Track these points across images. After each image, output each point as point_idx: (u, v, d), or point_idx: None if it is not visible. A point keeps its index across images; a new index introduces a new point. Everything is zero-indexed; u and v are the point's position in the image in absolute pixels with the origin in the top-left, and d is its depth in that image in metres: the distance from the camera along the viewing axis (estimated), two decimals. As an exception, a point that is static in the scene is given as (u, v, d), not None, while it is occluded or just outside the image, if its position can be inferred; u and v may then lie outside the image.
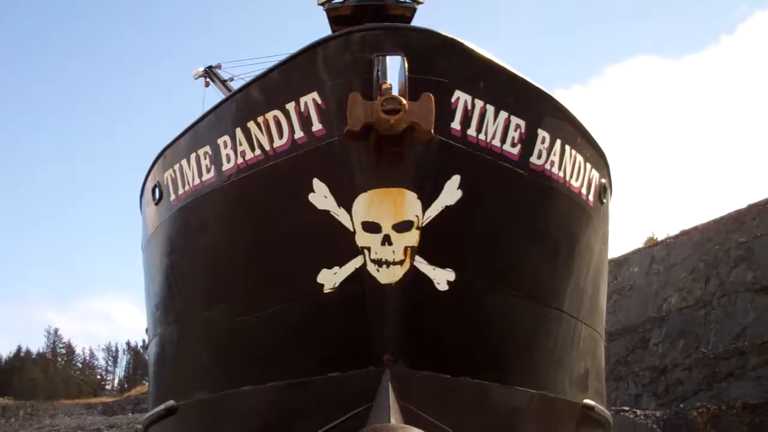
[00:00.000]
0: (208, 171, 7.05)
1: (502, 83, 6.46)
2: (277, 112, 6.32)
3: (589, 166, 7.56)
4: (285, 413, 6.71)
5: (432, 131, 5.74)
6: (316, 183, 6.15)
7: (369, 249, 5.99)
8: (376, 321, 6.01)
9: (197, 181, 7.23)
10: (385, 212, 5.96)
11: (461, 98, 6.13)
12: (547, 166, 6.87)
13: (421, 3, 8.97)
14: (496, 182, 6.50)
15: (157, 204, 8.18)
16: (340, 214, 6.05)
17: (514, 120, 6.48)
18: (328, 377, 6.32)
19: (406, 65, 5.73)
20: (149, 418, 9.14)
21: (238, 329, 7.00)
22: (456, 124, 6.13)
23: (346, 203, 6.03)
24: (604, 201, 8.19)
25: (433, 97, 5.63)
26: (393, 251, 5.97)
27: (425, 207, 6.03)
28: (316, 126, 6.12)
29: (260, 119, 6.45)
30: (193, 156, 7.25)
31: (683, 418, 18.24)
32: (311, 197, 6.19)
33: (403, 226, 5.98)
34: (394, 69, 5.83)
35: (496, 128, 6.37)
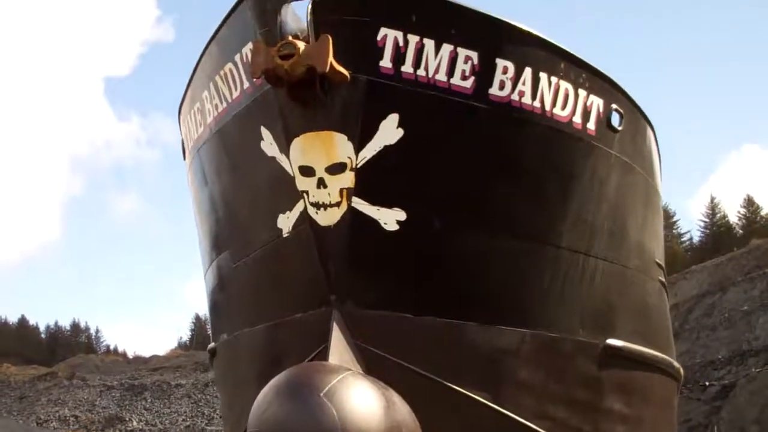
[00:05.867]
0: (201, 126, 7.49)
1: (442, 16, 6.22)
2: (231, 65, 6.56)
3: (582, 92, 7.07)
4: (273, 353, 7.07)
5: (342, 72, 5.73)
6: (263, 131, 6.34)
7: (307, 193, 6.11)
8: (321, 262, 6.16)
9: (196, 135, 7.72)
10: (317, 155, 6.04)
11: (389, 35, 6.00)
12: (515, 97, 6.54)
13: None
14: (446, 117, 6.32)
15: (184, 158, 8.82)
16: (282, 160, 6.21)
17: (463, 52, 6.24)
18: (295, 318, 6.58)
19: (309, 8, 5.74)
20: (209, 357, 9.93)
21: (235, 275, 7.46)
22: (386, 62, 6.02)
23: (284, 149, 6.17)
24: (619, 128, 7.60)
25: (330, 38, 5.58)
26: (329, 194, 6.05)
27: (358, 148, 6.04)
28: None
29: (222, 72, 6.72)
30: (192, 112, 7.71)
31: None
32: (262, 145, 6.40)
33: (335, 168, 6.03)
34: (303, 13, 5.85)
35: (440, 62, 6.17)
